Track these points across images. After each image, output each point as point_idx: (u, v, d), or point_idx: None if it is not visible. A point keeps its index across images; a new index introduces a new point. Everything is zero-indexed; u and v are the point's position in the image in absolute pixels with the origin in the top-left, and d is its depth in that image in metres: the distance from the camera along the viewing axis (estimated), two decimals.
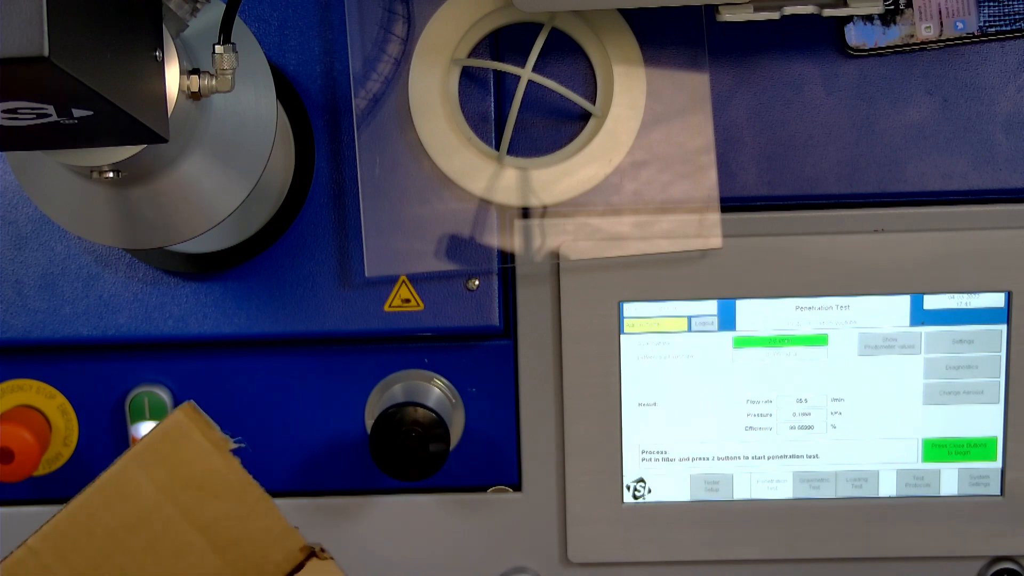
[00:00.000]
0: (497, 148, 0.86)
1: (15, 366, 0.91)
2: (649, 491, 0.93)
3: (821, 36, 0.86)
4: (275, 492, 0.93)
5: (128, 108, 0.60)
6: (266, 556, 0.73)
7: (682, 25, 0.85)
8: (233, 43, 0.70)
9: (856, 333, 0.90)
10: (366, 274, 0.87)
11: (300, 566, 0.74)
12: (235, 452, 0.73)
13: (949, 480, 0.92)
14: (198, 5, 0.70)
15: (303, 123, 0.87)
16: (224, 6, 0.70)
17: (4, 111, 0.57)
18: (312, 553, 0.75)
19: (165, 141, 0.67)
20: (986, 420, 0.91)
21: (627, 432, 0.91)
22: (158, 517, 0.71)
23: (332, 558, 0.74)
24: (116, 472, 0.71)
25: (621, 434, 0.91)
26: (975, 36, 0.85)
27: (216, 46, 0.70)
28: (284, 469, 0.93)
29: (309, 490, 0.93)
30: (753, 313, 0.89)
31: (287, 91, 0.86)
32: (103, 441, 0.92)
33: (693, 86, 0.86)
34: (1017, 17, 0.85)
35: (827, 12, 0.81)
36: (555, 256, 0.88)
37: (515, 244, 0.87)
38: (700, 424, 0.91)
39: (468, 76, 0.87)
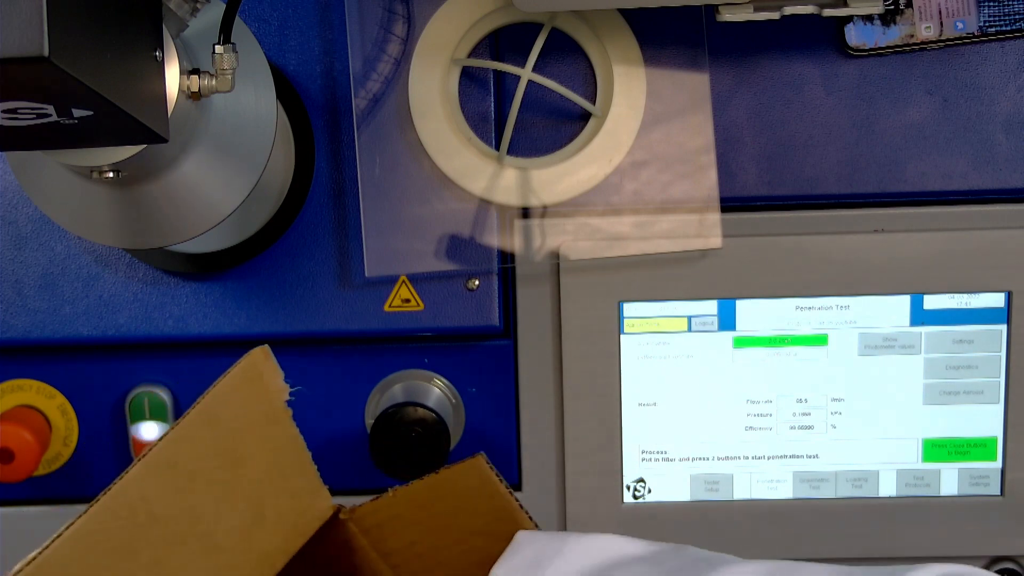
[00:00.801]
0: (497, 148, 0.86)
1: (15, 366, 0.91)
2: (649, 491, 0.93)
3: (821, 36, 0.86)
4: None
5: (128, 108, 0.60)
6: (306, 509, 0.74)
7: (682, 25, 0.85)
8: (233, 43, 0.70)
9: (856, 333, 0.90)
10: (366, 274, 0.87)
11: (326, 523, 0.74)
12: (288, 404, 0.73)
13: (949, 480, 0.92)
14: (198, 5, 0.70)
15: (303, 123, 0.87)
16: (224, 6, 0.70)
17: (4, 111, 0.57)
18: (338, 510, 0.75)
19: (165, 141, 0.67)
20: (986, 420, 0.91)
21: (627, 432, 0.91)
22: (220, 463, 0.70)
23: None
24: (200, 411, 0.69)
25: (621, 434, 0.91)
26: (975, 36, 0.85)
27: (216, 46, 0.70)
28: None
29: None
30: (753, 313, 0.89)
31: (287, 91, 0.86)
32: (103, 441, 0.92)
33: (693, 86, 0.86)
34: (1017, 17, 0.85)
35: (827, 12, 0.81)
36: (555, 256, 0.88)
37: (515, 244, 0.87)
38: (700, 424, 0.91)
39: (468, 76, 0.87)
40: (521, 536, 0.72)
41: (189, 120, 0.72)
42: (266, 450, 0.72)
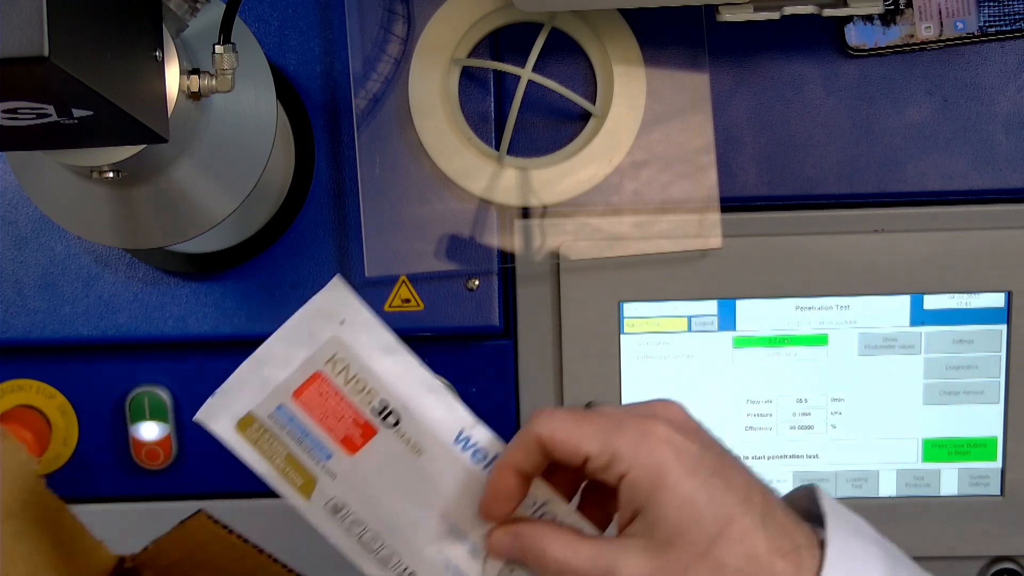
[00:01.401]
0: (497, 148, 0.86)
1: (15, 366, 0.91)
2: None
3: (821, 36, 0.86)
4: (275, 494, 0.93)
5: (128, 108, 0.60)
6: (88, 568, 0.72)
7: (682, 25, 0.85)
8: (233, 43, 0.70)
9: (856, 333, 0.89)
10: (366, 274, 0.87)
11: (114, 573, 0.73)
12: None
13: (949, 480, 0.92)
14: (198, 5, 0.70)
15: (303, 123, 0.87)
16: (224, 6, 0.70)
17: (4, 111, 0.57)
18: (121, 560, 0.74)
19: (165, 141, 0.67)
20: (986, 420, 0.91)
21: None
22: None
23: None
24: None
25: None
26: (975, 36, 0.85)
27: (216, 46, 0.70)
28: None
29: None
30: (753, 313, 0.89)
31: (287, 91, 0.86)
32: (103, 441, 0.92)
33: (693, 86, 0.86)
34: (1017, 17, 0.85)
35: (827, 12, 0.81)
36: (555, 256, 0.88)
37: (515, 244, 0.87)
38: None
39: (468, 76, 0.87)
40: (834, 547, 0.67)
41: (189, 120, 0.72)
42: (30, 526, 0.70)
